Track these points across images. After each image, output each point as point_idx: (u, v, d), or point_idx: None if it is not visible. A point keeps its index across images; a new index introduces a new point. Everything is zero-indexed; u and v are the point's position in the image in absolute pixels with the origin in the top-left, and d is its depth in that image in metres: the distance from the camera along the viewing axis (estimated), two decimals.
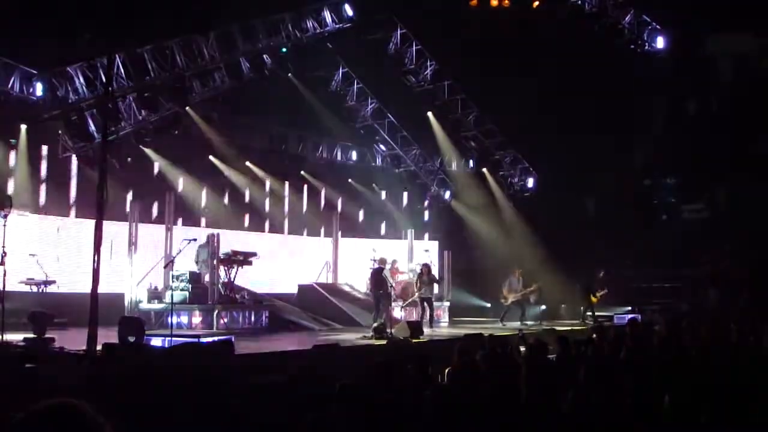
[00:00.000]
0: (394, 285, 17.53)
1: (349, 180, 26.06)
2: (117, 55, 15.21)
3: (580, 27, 23.45)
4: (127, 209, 17.75)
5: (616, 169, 27.71)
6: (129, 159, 18.48)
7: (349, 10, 20.92)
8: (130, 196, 19.15)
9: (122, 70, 16.24)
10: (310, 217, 26.06)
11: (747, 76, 29.68)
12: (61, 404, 1.80)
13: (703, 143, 28.38)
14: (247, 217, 23.72)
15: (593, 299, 21.20)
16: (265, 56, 19.04)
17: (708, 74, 30.39)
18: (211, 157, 21.95)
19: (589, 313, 21.12)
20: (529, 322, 19.13)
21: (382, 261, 17.47)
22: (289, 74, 20.70)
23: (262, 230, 24.17)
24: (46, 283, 16.72)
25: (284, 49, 19.34)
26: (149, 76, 16.84)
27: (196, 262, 17.22)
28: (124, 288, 16.76)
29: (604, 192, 28.49)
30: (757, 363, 7.60)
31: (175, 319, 15.07)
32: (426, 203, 26.93)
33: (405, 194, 26.50)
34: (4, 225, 12.08)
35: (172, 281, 16.72)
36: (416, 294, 18.73)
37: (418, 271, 19.47)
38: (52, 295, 16.26)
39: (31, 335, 11.68)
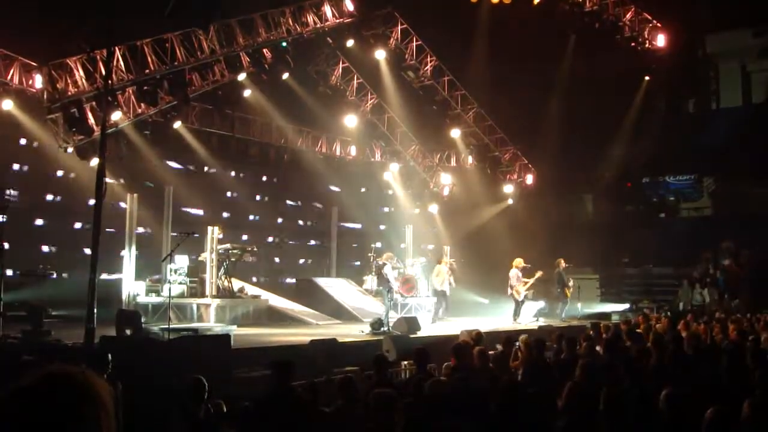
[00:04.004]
0: (394, 280, 17.43)
1: (349, 175, 26.05)
2: (117, 48, 15.16)
3: (580, 24, 23.42)
4: (126, 202, 17.66)
5: (615, 167, 27.74)
6: (128, 152, 18.41)
7: (349, 4, 20.87)
8: (128, 189, 19.11)
9: (122, 63, 16.19)
10: (309, 212, 26.06)
11: (747, 75, 29.68)
12: (50, 375, 1.76)
13: (703, 142, 28.40)
14: (246, 211, 23.70)
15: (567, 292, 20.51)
16: (265, 50, 18.99)
17: (708, 72, 30.41)
18: (209, 152, 21.91)
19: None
20: (521, 320, 19.04)
21: (389, 257, 17.39)
22: (289, 68, 20.63)
23: (261, 225, 24.16)
24: (44, 275, 16.71)
25: (284, 43, 19.28)
26: (149, 69, 16.78)
27: (217, 253, 17.17)
28: (123, 281, 16.76)
29: (603, 190, 28.51)
30: (755, 361, 7.60)
31: (172, 313, 15.04)
32: (425, 199, 26.86)
33: (404, 190, 26.46)
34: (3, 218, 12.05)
35: (170, 274, 16.72)
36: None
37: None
38: (51, 288, 16.24)
39: (27, 327, 11.68)
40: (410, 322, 15.19)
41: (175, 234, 16.52)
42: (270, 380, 7.08)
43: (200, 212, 21.84)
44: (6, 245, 11.57)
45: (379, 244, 23.17)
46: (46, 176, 19.02)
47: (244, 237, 22.44)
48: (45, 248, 19.24)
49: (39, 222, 18.81)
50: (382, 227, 26.19)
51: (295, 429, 6.21)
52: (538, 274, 19.51)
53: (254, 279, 21.58)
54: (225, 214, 22.25)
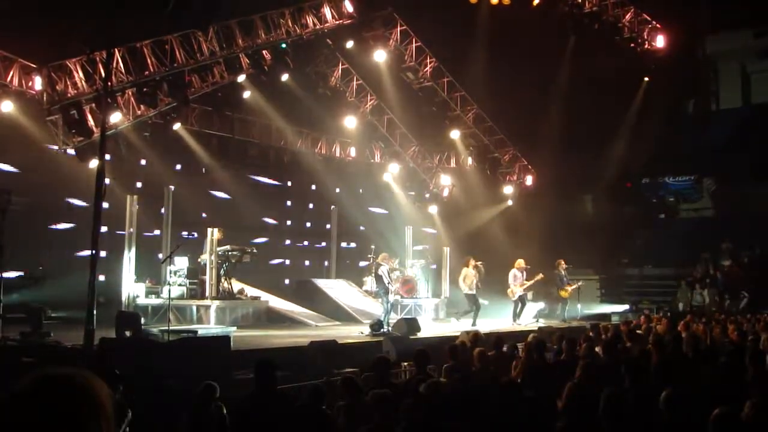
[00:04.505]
0: (390, 281, 17.34)
1: (348, 176, 26.05)
2: (116, 50, 15.15)
3: (580, 25, 23.43)
4: (126, 204, 17.67)
5: (615, 167, 27.75)
6: (127, 154, 18.41)
7: (349, 6, 20.87)
8: (127, 191, 19.09)
9: (121, 65, 16.19)
10: (309, 212, 26.05)
11: (747, 76, 29.71)
12: (49, 377, 1.75)
13: (703, 143, 28.43)
14: (245, 212, 23.67)
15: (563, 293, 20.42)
16: (264, 51, 18.99)
17: (708, 73, 30.44)
18: (209, 153, 21.90)
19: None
20: (522, 321, 19.02)
21: (384, 258, 17.31)
22: (289, 70, 20.61)
23: (261, 225, 24.16)
24: (43, 276, 16.72)
25: (284, 45, 19.28)
26: (148, 71, 16.79)
27: (216, 254, 17.14)
28: (122, 283, 16.74)
29: (603, 190, 28.53)
30: (753, 362, 7.59)
31: (172, 314, 15.04)
32: (424, 200, 26.84)
33: (404, 191, 26.45)
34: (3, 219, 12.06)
35: (170, 276, 16.73)
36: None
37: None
38: (50, 289, 16.24)
39: (27, 329, 11.68)
40: (410, 323, 15.17)
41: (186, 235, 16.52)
42: (255, 380, 7.11)
43: (200, 214, 21.80)
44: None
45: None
46: (46, 178, 18.98)
47: (243, 239, 22.43)
48: (44, 250, 19.18)
49: (38, 223, 18.76)
50: (381, 229, 26.16)
51: (276, 429, 6.23)
52: (539, 276, 19.50)
53: (254, 279, 21.55)
54: (225, 216, 22.20)
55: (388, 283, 16.54)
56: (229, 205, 22.98)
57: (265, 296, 19.18)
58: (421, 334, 14.67)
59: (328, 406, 6.63)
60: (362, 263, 23.47)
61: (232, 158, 22.82)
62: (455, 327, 16.92)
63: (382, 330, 14.80)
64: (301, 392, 8.37)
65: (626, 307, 23.13)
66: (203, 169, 22.23)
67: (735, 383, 6.57)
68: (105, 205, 11.83)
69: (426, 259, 22.90)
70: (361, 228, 26.16)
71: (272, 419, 6.36)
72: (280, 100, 21.90)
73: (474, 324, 17.73)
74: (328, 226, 24.46)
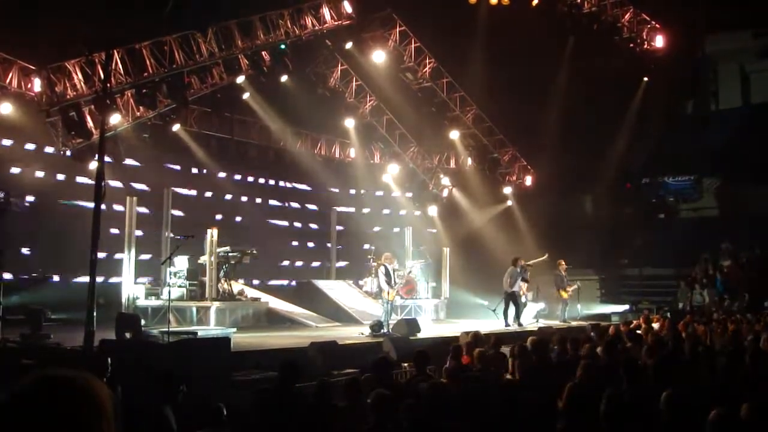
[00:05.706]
0: (391, 281, 17.20)
1: (348, 177, 26.05)
2: (115, 51, 15.15)
3: (579, 26, 23.44)
4: (125, 205, 17.67)
5: (615, 168, 27.74)
6: (126, 155, 18.41)
7: (348, 7, 20.88)
8: (127, 192, 19.09)
9: (120, 66, 16.19)
10: (309, 213, 26.04)
11: (746, 76, 29.70)
12: (50, 379, 1.75)
13: (702, 143, 28.42)
14: (245, 213, 23.68)
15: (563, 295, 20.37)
16: (263, 52, 18.99)
17: (707, 73, 30.43)
18: (208, 155, 21.90)
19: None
20: (522, 322, 18.98)
21: (387, 258, 17.17)
22: (288, 71, 20.61)
23: (261, 226, 24.14)
24: (43, 278, 16.71)
25: (283, 46, 19.28)
26: (147, 72, 16.78)
27: (216, 256, 17.10)
28: (122, 284, 16.74)
29: (602, 191, 28.52)
30: (753, 362, 7.60)
31: (172, 316, 15.04)
32: (424, 201, 26.85)
33: (403, 192, 26.45)
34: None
35: (170, 277, 16.72)
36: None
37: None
38: (50, 291, 16.24)
39: (27, 331, 11.68)
40: (410, 324, 15.16)
41: (176, 236, 16.49)
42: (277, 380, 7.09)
43: (199, 215, 21.77)
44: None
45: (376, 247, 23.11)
46: (45, 179, 18.98)
47: (243, 240, 22.43)
48: (44, 251, 19.18)
49: (39, 224, 18.75)
50: (381, 230, 26.15)
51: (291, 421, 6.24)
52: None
53: (254, 281, 21.56)
54: (224, 217, 22.20)
55: (388, 283, 16.41)
56: (228, 207, 22.98)
57: (265, 297, 19.17)
58: (421, 335, 14.66)
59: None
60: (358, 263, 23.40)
61: (231, 159, 22.82)
62: (456, 327, 16.86)
63: (382, 331, 14.78)
64: (303, 392, 8.36)
65: (626, 307, 23.11)
66: (203, 171, 22.23)
67: (735, 383, 6.57)
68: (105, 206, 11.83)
69: (425, 259, 22.88)
70: (361, 229, 26.15)
71: (289, 413, 6.38)
72: (279, 101, 21.90)
73: (511, 323, 17.73)
74: (328, 227, 24.45)
